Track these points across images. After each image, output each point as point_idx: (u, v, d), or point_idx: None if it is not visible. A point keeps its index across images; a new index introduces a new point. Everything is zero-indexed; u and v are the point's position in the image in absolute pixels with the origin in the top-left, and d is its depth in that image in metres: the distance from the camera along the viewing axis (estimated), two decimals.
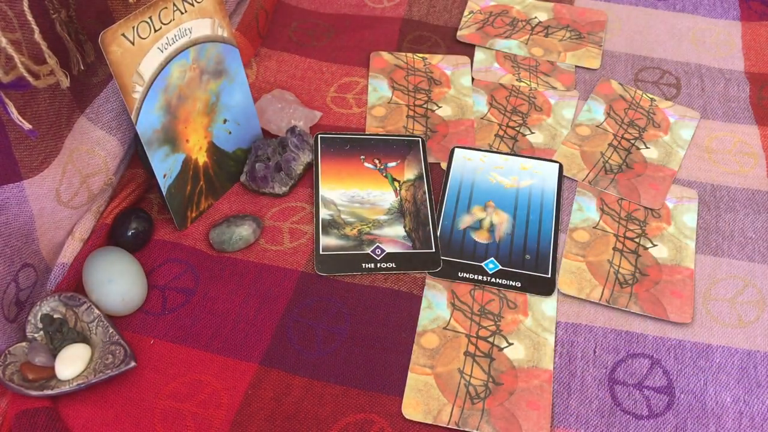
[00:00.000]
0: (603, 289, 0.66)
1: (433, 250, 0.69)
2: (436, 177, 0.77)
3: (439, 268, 0.68)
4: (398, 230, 0.71)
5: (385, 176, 0.75)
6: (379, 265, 0.68)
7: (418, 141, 0.78)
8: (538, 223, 0.71)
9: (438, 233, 0.71)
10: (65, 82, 0.58)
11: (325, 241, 0.69)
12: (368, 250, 0.69)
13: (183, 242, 0.71)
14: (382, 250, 0.69)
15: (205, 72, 0.69)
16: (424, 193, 0.73)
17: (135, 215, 0.69)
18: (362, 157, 0.76)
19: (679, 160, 0.77)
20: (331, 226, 0.70)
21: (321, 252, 0.69)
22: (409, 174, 0.75)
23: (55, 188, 0.63)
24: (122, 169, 0.74)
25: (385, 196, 0.74)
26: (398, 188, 0.74)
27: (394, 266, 0.68)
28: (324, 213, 0.71)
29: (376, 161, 0.76)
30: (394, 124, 0.81)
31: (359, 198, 0.73)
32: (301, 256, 0.70)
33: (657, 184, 0.75)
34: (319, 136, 0.76)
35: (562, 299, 0.66)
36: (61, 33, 0.60)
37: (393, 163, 0.76)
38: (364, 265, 0.68)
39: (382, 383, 0.61)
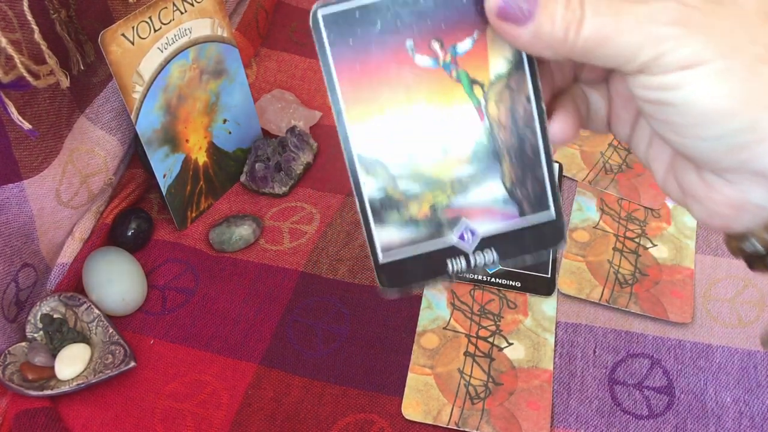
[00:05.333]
0: (603, 289, 0.66)
1: (553, 212, 0.41)
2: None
3: (564, 244, 0.45)
4: (494, 190, 0.40)
5: (457, 78, 0.39)
6: (473, 259, 0.40)
7: None
8: None
9: (555, 175, 0.42)
10: (65, 82, 0.58)
11: (385, 234, 0.40)
12: (453, 238, 0.40)
13: (183, 242, 0.71)
14: (473, 233, 0.41)
15: (205, 72, 0.69)
16: (528, 99, 0.39)
17: (135, 215, 0.69)
18: (410, 43, 0.38)
19: None
20: (386, 207, 0.40)
21: (382, 256, 0.40)
22: (499, 62, 0.39)
23: (55, 188, 0.63)
24: (122, 169, 0.74)
25: (462, 124, 0.40)
26: (482, 99, 0.39)
27: (496, 258, 0.40)
28: (370, 186, 0.40)
29: (437, 45, 0.39)
30: None
31: (423, 140, 0.40)
32: (301, 256, 0.69)
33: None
34: (321, 13, 0.38)
35: (562, 299, 0.66)
36: (61, 33, 0.60)
37: (466, 42, 0.39)
38: (451, 264, 0.40)
39: (382, 383, 0.61)
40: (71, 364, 0.60)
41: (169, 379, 0.61)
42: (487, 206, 0.41)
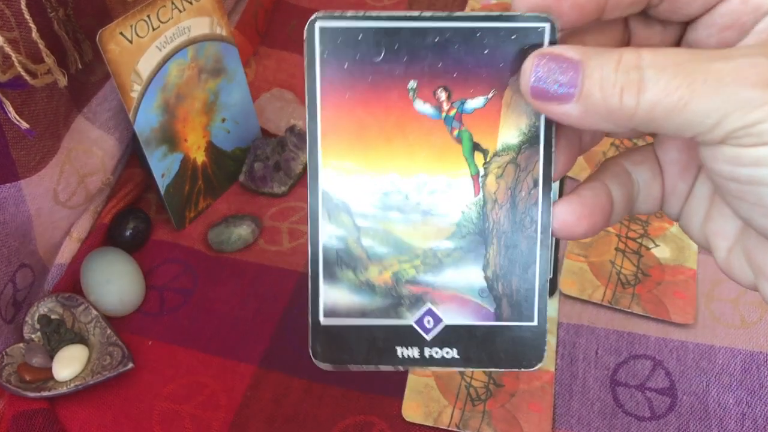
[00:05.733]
0: (605, 290, 0.66)
1: (534, 321, 0.35)
2: None
3: (541, 364, 0.35)
4: (471, 276, 0.34)
5: (457, 137, 0.33)
6: (429, 352, 0.35)
7: (542, 31, 0.32)
8: None
9: (547, 282, 0.35)
10: (63, 81, 0.57)
11: (333, 295, 0.34)
12: (410, 319, 0.34)
13: (181, 242, 0.70)
14: (437, 320, 0.35)
15: (204, 71, 0.68)
16: (536, 183, 0.33)
17: (133, 215, 0.69)
18: (412, 84, 0.33)
19: None
20: (342, 263, 0.34)
21: (323, 318, 0.34)
22: (511, 131, 0.33)
23: (53, 188, 0.63)
24: (120, 168, 0.74)
25: (452, 190, 0.34)
26: (482, 169, 0.34)
27: (457, 357, 0.35)
28: (329, 233, 0.34)
29: (441, 94, 0.33)
30: None
31: (401, 198, 0.34)
32: (301, 257, 0.69)
33: None
34: (319, 25, 0.32)
35: (563, 300, 0.66)
36: (58, 32, 0.60)
37: (478, 100, 0.33)
38: (401, 351, 0.35)
39: (382, 385, 0.60)
40: (69, 365, 0.59)
41: (168, 381, 0.61)
42: (459, 294, 0.34)
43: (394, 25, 0.32)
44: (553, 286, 0.66)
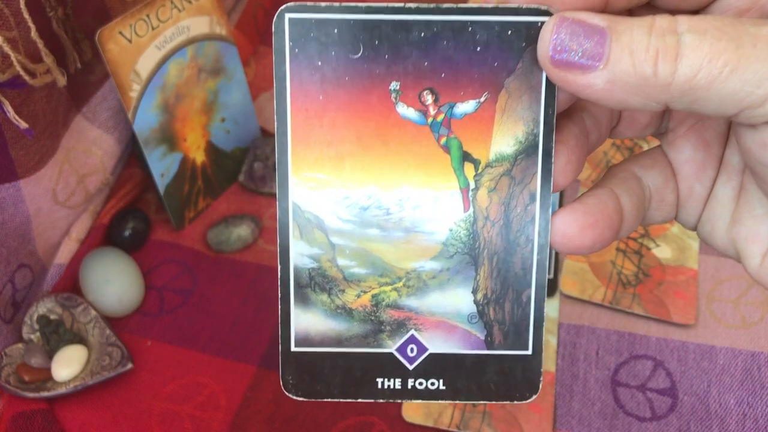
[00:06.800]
0: (606, 290, 0.66)
1: (528, 350, 0.31)
2: None
3: (535, 396, 0.32)
4: (460, 300, 0.31)
5: (445, 146, 0.30)
6: (412, 383, 0.32)
7: (541, 25, 0.27)
8: None
9: (544, 308, 0.31)
10: (62, 81, 0.57)
11: (305, 321, 0.31)
12: (391, 347, 0.31)
13: (180, 242, 0.70)
14: (422, 348, 0.31)
15: (203, 70, 0.68)
16: (533, 197, 0.30)
17: (132, 215, 0.69)
18: (395, 85, 0.29)
19: None
20: (315, 285, 0.31)
21: (295, 347, 0.31)
22: (505, 140, 0.30)
23: (52, 188, 0.62)
24: (119, 168, 0.73)
25: (439, 205, 0.30)
26: (472, 182, 0.30)
27: (443, 388, 0.32)
28: (300, 251, 0.31)
29: (428, 97, 0.29)
30: None
31: (381, 213, 0.31)
32: None
33: None
34: (288, 16, 0.29)
35: (564, 300, 0.66)
36: (57, 31, 0.59)
37: (469, 104, 0.29)
38: (381, 382, 0.32)
39: None
40: (68, 365, 0.59)
41: (167, 381, 0.61)
42: (446, 319, 0.31)
43: (375, 17, 0.28)
44: (553, 287, 0.66)
